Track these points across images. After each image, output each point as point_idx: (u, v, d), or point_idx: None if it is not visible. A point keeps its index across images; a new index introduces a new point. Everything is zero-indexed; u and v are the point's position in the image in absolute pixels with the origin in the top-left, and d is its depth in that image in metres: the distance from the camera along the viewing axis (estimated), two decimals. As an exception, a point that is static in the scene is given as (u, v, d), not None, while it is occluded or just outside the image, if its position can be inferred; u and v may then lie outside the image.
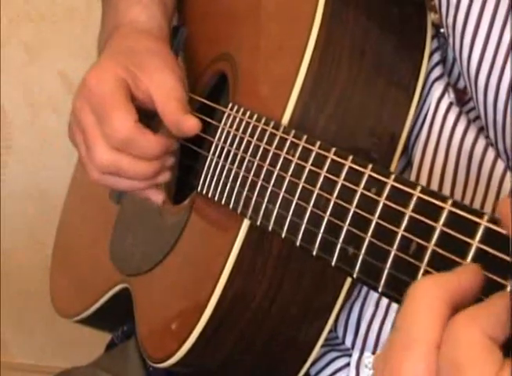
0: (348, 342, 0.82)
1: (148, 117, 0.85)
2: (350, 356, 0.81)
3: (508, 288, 0.44)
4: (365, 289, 0.80)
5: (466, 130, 0.73)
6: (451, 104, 0.74)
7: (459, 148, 0.73)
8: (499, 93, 0.69)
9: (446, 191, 0.73)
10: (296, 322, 0.78)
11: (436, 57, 0.77)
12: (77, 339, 1.75)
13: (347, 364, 0.81)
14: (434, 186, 0.73)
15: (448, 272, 0.47)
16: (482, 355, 0.41)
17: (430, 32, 0.76)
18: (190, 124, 0.81)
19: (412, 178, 0.74)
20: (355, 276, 0.58)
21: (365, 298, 0.80)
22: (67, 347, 1.84)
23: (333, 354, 0.83)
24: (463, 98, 0.75)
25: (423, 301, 0.45)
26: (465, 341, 0.42)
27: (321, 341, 0.79)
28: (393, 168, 0.74)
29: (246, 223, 0.74)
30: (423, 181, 0.74)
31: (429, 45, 0.75)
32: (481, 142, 0.72)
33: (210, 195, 0.80)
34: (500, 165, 0.72)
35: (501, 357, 0.41)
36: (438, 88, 0.75)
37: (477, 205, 0.72)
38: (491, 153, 0.72)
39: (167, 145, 0.82)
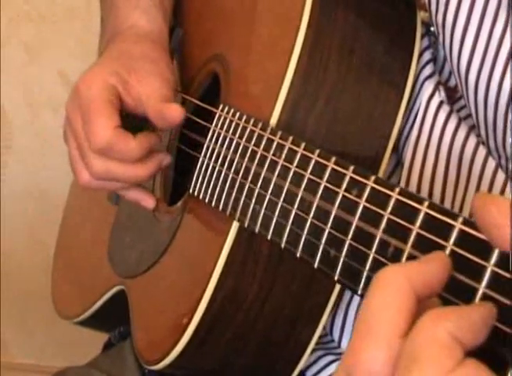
0: (344, 346, 0.82)
1: (141, 120, 0.85)
2: (346, 359, 0.81)
3: (480, 291, 0.44)
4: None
5: (456, 128, 0.72)
6: (441, 103, 0.73)
7: (450, 146, 0.72)
8: (489, 90, 0.69)
9: (437, 190, 0.73)
10: (288, 322, 0.78)
11: (427, 55, 0.76)
12: (77, 339, 1.75)
13: None
14: (425, 185, 0.73)
15: (414, 261, 0.46)
16: (440, 351, 0.41)
17: (420, 30, 0.76)
18: (172, 112, 0.82)
19: (403, 177, 0.74)
20: (336, 278, 0.58)
21: (360, 303, 0.79)
22: (67, 347, 1.84)
23: (329, 358, 0.83)
24: (453, 96, 0.75)
25: (385, 289, 0.44)
26: (427, 336, 0.42)
27: (314, 341, 0.79)
28: (383, 167, 0.74)
29: (235, 224, 0.74)
30: (413, 180, 0.73)
31: (418, 43, 0.75)
32: (472, 140, 0.72)
33: (201, 197, 0.80)
34: (491, 163, 0.71)
35: (460, 357, 0.41)
36: (428, 87, 0.74)
37: (468, 203, 0.72)
38: (482, 151, 0.71)
39: (147, 146, 0.83)
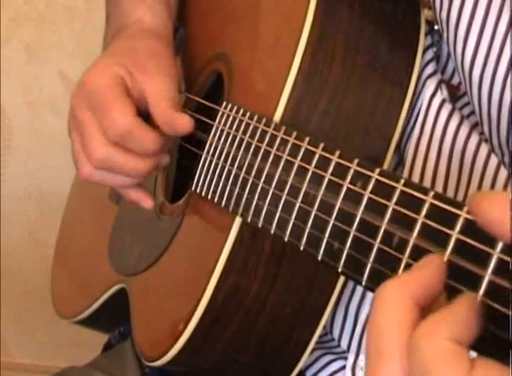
0: (344, 345, 0.82)
1: (143, 116, 0.85)
2: (346, 358, 0.81)
3: (486, 278, 0.44)
4: (359, 291, 0.79)
5: (458, 126, 0.72)
6: (443, 101, 0.73)
7: (452, 145, 0.72)
8: (493, 86, 0.69)
9: (439, 188, 0.73)
10: (289, 321, 0.78)
11: (429, 54, 0.76)
12: (76, 339, 1.76)
13: (343, 367, 0.81)
14: (427, 184, 0.73)
15: (409, 271, 0.47)
16: (450, 361, 0.41)
17: (423, 28, 0.76)
18: (183, 122, 0.81)
19: (405, 176, 0.74)
20: (339, 270, 0.58)
21: (360, 301, 0.80)
22: (67, 347, 1.84)
23: (329, 357, 0.83)
24: (456, 93, 0.75)
25: (386, 305, 0.45)
26: (429, 352, 0.41)
27: (314, 341, 0.78)
28: (386, 165, 0.74)
29: (238, 221, 0.74)
30: (415, 179, 0.73)
31: (422, 41, 0.75)
32: (475, 138, 0.72)
33: (204, 194, 0.80)
34: (494, 160, 0.71)
35: (468, 356, 0.41)
36: (430, 86, 0.74)
37: (470, 201, 0.72)
38: (484, 149, 0.72)
39: (164, 142, 0.82)
